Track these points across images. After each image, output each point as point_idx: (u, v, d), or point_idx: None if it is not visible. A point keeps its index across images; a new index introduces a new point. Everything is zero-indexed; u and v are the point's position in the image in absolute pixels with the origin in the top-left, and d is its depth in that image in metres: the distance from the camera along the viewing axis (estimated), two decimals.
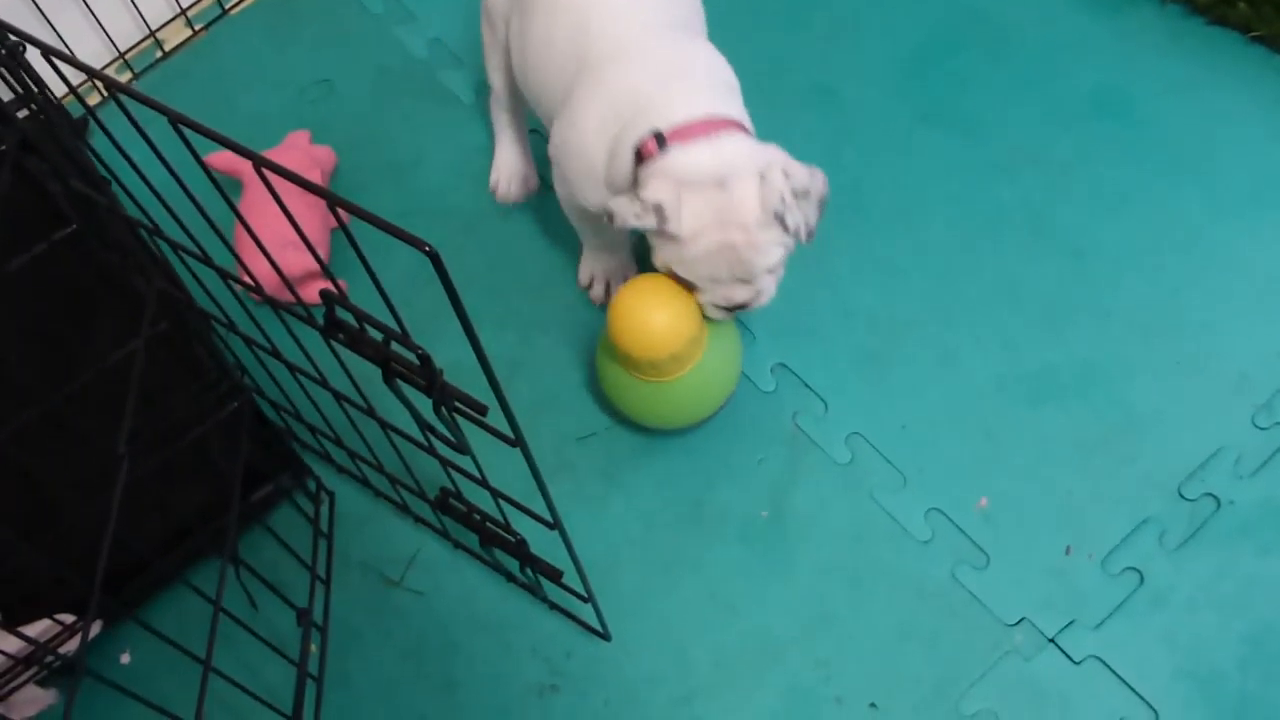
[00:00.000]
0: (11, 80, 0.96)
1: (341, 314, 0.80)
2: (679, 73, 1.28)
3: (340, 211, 0.72)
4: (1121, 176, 1.62)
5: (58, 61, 0.88)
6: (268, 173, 1.44)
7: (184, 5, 1.93)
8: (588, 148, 1.30)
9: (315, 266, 1.50)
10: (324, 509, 1.43)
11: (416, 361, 0.78)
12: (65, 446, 1.14)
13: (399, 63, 1.85)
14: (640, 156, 1.24)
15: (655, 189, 1.21)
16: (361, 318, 0.78)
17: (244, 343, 1.10)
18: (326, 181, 1.66)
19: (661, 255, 1.28)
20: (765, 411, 1.46)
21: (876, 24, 1.82)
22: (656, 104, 1.24)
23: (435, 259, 0.63)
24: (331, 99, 1.83)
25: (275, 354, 1.07)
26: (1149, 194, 1.60)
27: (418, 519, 1.39)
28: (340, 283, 1.42)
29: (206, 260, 0.97)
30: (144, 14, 1.89)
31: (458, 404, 0.79)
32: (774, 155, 1.24)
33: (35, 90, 0.98)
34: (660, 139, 1.22)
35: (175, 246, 0.99)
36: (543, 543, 1.12)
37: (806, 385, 1.48)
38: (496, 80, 1.58)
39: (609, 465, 1.45)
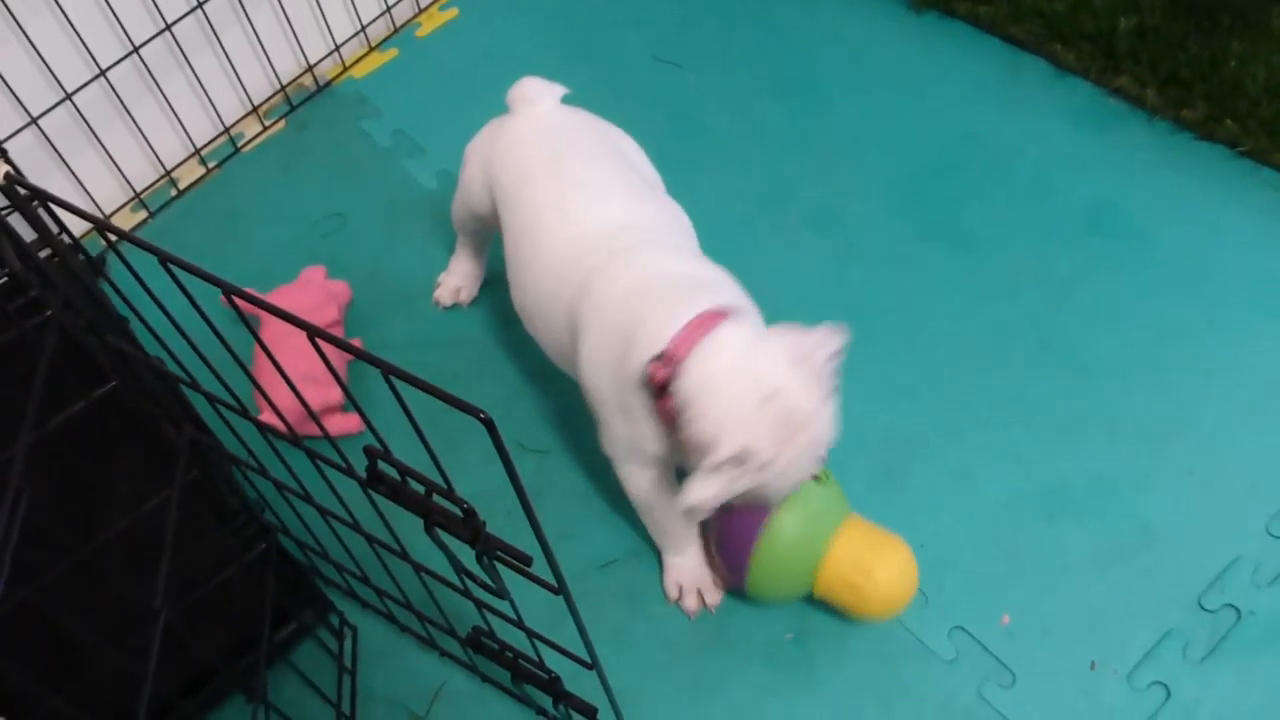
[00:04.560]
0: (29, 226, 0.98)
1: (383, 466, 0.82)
2: (663, 286, 1.24)
3: (355, 345, 0.74)
4: (1121, 290, 1.65)
5: (76, 198, 0.89)
6: (285, 311, 1.47)
7: (197, 145, 1.98)
8: (609, 379, 1.25)
9: (335, 400, 1.52)
10: (347, 644, 1.43)
11: (459, 513, 0.79)
12: (92, 595, 1.15)
13: (409, 195, 1.90)
14: (658, 391, 1.18)
15: (722, 442, 1.12)
16: (405, 472, 0.80)
17: (274, 487, 1.12)
18: (343, 315, 1.68)
19: (741, 497, 1.20)
20: None
21: (875, 146, 1.87)
22: (646, 321, 1.20)
23: (490, 426, 0.64)
24: (344, 232, 1.87)
25: (307, 498, 1.08)
26: (1149, 306, 1.63)
27: (444, 653, 1.39)
28: (354, 418, 1.43)
29: (242, 411, 0.99)
30: (158, 154, 1.94)
31: (501, 554, 0.80)
32: (786, 334, 1.19)
33: (55, 233, 1.00)
34: (665, 363, 1.17)
35: (211, 398, 1.00)
36: (571, 675, 1.12)
37: None
38: (457, 225, 1.65)
39: (631, 591, 1.45)
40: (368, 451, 0.80)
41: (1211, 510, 1.44)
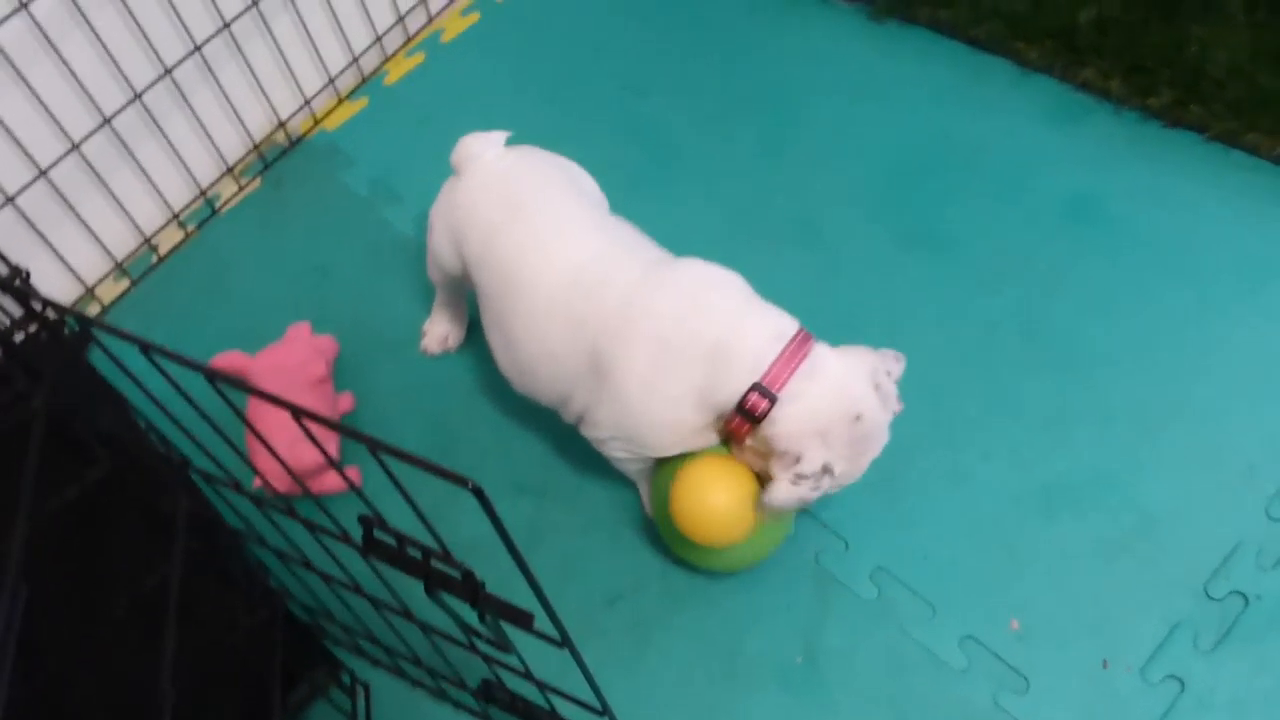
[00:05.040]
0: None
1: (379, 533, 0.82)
2: (725, 301, 1.31)
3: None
4: (1104, 278, 1.66)
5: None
6: (272, 374, 1.47)
7: (175, 209, 1.98)
8: (670, 404, 1.31)
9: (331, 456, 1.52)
10: (360, 701, 1.43)
11: (458, 575, 0.79)
12: (100, 677, 1.14)
13: (389, 242, 1.90)
14: (748, 413, 1.26)
15: (810, 455, 1.25)
16: (402, 539, 0.80)
17: (276, 556, 1.12)
18: (331, 369, 1.68)
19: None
20: (787, 556, 1.47)
21: (847, 155, 1.88)
22: (734, 349, 1.27)
23: (480, 495, 0.65)
24: (327, 284, 1.87)
25: (308, 565, 1.08)
26: (1133, 292, 1.64)
27: (457, 705, 1.39)
28: (353, 471, 1.43)
29: (236, 486, 0.99)
30: (137, 221, 1.94)
31: (499, 612, 0.80)
32: (866, 358, 1.30)
33: (40, 310, 1.00)
34: (765, 392, 1.25)
35: (206, 476, 1.01)
36: (586, 717, 1.12)
37: (824, 525, 1.49)
38: (435, 280, 1.65)
39: (639, 625, 1.45)
40: (363, 521, 0.80)
41: (1210, 496, 1.45)
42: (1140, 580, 1.40)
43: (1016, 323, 1.64)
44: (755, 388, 1.25)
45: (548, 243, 1.37)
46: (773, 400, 1.25)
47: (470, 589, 0.79)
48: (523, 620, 0.78)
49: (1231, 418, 1.51)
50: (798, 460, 1.25)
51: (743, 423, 1.27)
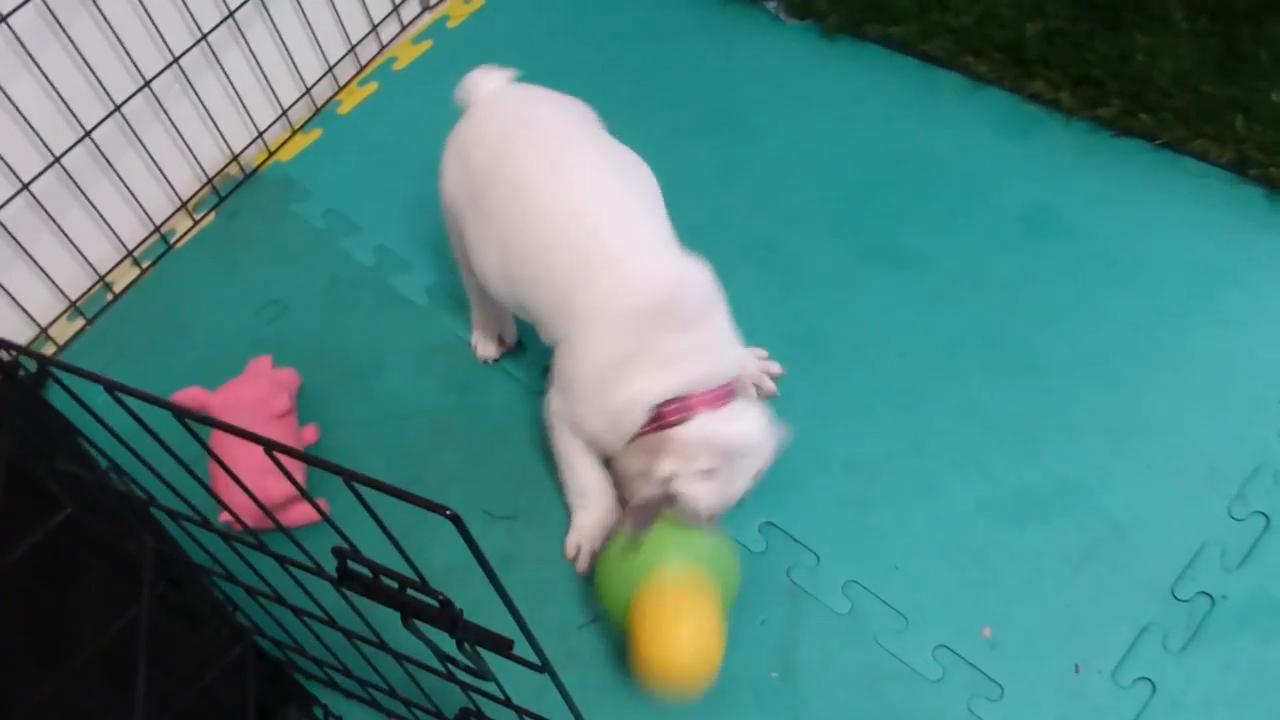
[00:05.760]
0: None
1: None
2: (700, 327, 1.37)
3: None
4: (1061, 288, 1.68)
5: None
6: (234, 410, 1.46)
7: (129, 247, 1.96)
8: (604, 384, 1.37)
9: (295, 491, 1.51)
10: None
11: (435, 604, 0.79)
12: None
13: (348, 273, 1.89)
14: (660, 415, 1.34)
15: (673, 465, 1.33)
16: (377, 570, 0.79)
17: (245, 592, 1.10)
18: (294, 402, 1.67)
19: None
20: (759, 572, 1.47)
21: (803, 173, 1.89)
22: (679, 364, 1.34)
23: (458, 522, 0.64)
24: (286, 317, 1.86)
25: (279, 600, 1.07)
26: (1090, 302, 1.65)
27: None
28: (322, 502, 1.42)
29: (204, 523, 0.98)
30: (90, 260, 1.92)
31: (479, 640, 0.79)
32: (762, 420, 1.38)
33: None
34: (682, 407, 1.34)
35: (172, 514, 0.99)
36: None
37: (795, 539, 1.49)
38: (462, 265, 1.63)
39: (614, 649, 1.44)
40: (336, 553, 0.80)
41: (1174, 500, 1.46)
42: (1109, 585, 1.41)
43: (979, 335, 1.66)
44: (673, 402, 1.34)
45: (565, 172, 1.41)
46: (686, 418, 1.34)
47: (448, 617, 0.78)
48: (502, 646, 0.77)
49: (1190, 422, 1.53)
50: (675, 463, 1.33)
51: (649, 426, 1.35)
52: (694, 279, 1.39)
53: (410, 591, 0.81)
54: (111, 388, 0.77)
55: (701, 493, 1.34)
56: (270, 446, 0.72)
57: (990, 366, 1.62)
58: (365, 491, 0.72)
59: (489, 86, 1.53)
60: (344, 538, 0.81)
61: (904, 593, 1.43)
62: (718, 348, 1.39)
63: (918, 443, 1.57)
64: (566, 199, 1.39)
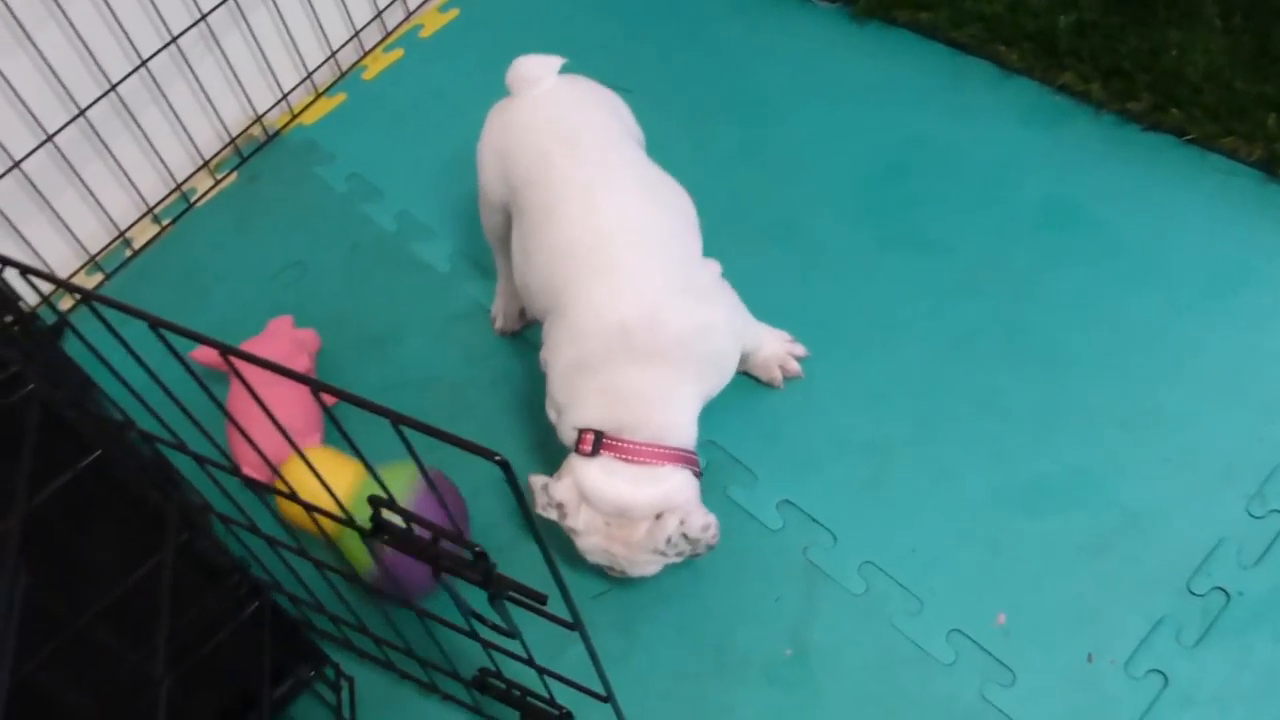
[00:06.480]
0: None
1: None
2: (661, 371, 1.35)
3: (325, 395, 0.73)
4: (1082, 281, 1.68)
5: (31, 265, 0.88)
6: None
7: (150, 203, 1.96)
8: (563, 383, 1.40)
9: (308, 449, 1.51)
10: (345, 695, 1.41)
11: (469, 557, 0.79)
12: (85, 667, 1.12)
13: (369, 238, 1.89)
14: (580, 439, 1.36)
15: (565, 490, 1.37)
16: (411, 519, 0.79)
17: (267, 544, 1.10)
18: (313, 364, 1.67)
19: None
20: (776, 549, 1.47)
21: (827, 156, 1.89)
22: (618, 401, 1.35)
23: (506, 468, 0.64)
24: (306, 280, 1.85)
25: (302, 553, 1.07)
26: (1110, 295, 1.65)
27: (445, 696, 1.38)
28: None
29: (235, 470, 0.98)
30: (111, 215, 1.92)
31: (514, 594, 0.79)
32: (681, 499, 1.35)
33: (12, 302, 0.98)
34: (598, 443, 1.35)
35: (200, 459, 0.99)
36: (577, 707, 1.12)
37: (813, 519, 1.49)
38: (492, 240, 1.64)
39: (626, 620, 1.45)
40: (372, 501, 0.80)
41: (1191, 494, 1.46)
42: (1124, 577, 1.41)
43: (997, 323, 1.65)
44: (596, 434, 1.34)
45: (589, 190, 1.40)
46: (596, 448, 1.34)
47: (483, 570, 0.78)
48: (538, 600, 0.77)
49: (1208, 419, 1.52)
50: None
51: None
52: (678, 322, 1.35)
53: (443, 544, 0.81)
54: (156, 324, 0.76)
55: (579, 531, 1.37)
56: (320, 386, 0.72)
57: (1008, 355, 1.62)
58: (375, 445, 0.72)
59: (536, 81, 1.52)
60: (382, 485, 0.81)
61: (919, 575, 1.43)
62: (662, 403, 1.36)
63: (935, 428, 1.57)
64: (589, 211, 1.39)
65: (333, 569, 1.07)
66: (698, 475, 1.40)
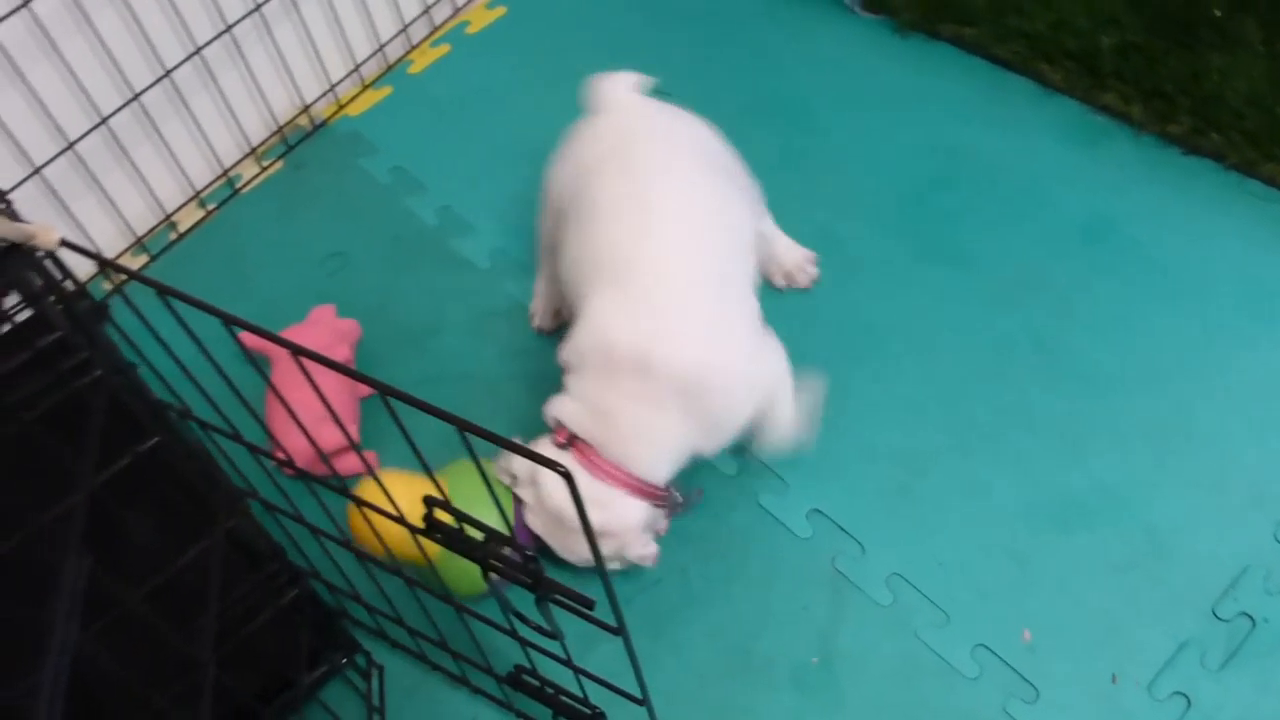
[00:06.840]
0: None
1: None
2: (654, 399, 1.34)
3: (367, 384, 0.75)
4: (1118, 300, 1.68)
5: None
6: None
7: (197, 188, 1.99)
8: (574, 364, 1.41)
9: (346, 442, 1.53)
10: (375, 683, 1.44)
11: (519, 559, 0.81)
12: (132, 647, 1.15)
13: (411, 232, 1.91)
14: (556, 428, 1.39)
15: (521, 465, 1.43)
16: (463, 519, 0.81)
17: (311, 533, 1.13)
18: (353, 354, 1.69)
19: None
20: (804, 558, 1.49)
21: (865, 165, 1.90)
22: (594, 422, 1.36)
23: (569, 479, 0.66)
24: (347, 270, 1.88)
25: (346, 545, 1.09)
26: (1146, 315, 1.66)
27: (474, 689, 1.40)
28: (370, 455, 1.44)
29: (288, 462, 1.00)
30: (158, 197, 1.95)
31: (561, 598, 0.81)
32: (619, 527, 1.37)
33: (61, 281, 1.00)
34: (569, 443, 1.38)
35: (253, 449, 1.01)
36: (609, 706, 1.13)
37: (841, 528, 1.51)
38: (542, 241, 1.66)
39: (655, 623, 1.46)
40: (427, 500, 0.82)
41: (1219, 518, 1.47)
42: (1150, 598, 1.42)
43: (1031, 339, 1.66)
44: (571, 437, 1.37)
45: (622, 202, 1.40)
46: (565, 442, 1.37)
47: (533, 573, 0.80)
48: (585, 604, 0.79)
49: (1238, 443, 1.53)
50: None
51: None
52: (672, 359, 1.31)
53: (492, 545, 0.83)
54: (229, 321, 0.79)
55: (526, 501, 1.41)
56: (385, 390, 0.74)
57: (1040, 371, 1.63)
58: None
59: (615, 97, 1.56)
60: (438, 486, 0.83)
61: (946, 589, 1.45)
62: (636, 437, 1.35)
63: (965, 441, 1.58)
64: (614, 220, 1.40)
65: (377, 563, 1.10)
66: (660, 505, 1.41)
